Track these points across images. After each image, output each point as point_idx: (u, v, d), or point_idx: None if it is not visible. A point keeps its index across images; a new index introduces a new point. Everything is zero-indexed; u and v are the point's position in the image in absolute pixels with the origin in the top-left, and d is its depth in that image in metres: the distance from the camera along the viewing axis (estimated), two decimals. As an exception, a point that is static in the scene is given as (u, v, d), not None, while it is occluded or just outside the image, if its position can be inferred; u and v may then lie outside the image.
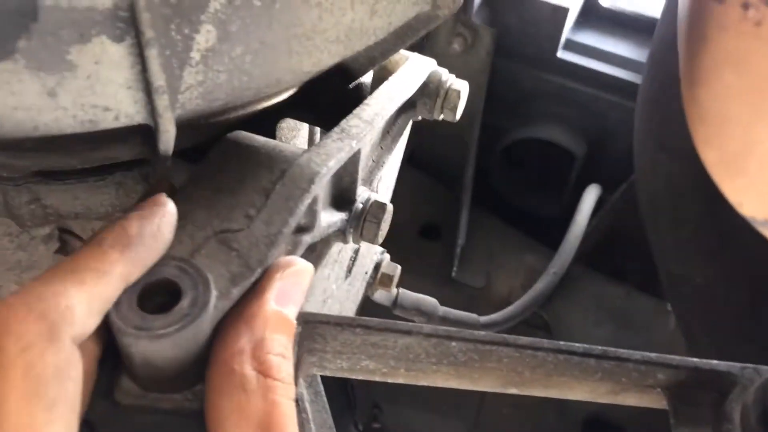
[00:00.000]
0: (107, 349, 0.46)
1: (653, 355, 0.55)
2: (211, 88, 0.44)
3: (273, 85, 0.49)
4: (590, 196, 1.29)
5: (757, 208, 0.31)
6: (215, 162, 0.52)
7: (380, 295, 0.99)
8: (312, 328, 0.53)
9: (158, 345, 0.40)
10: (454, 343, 0.54)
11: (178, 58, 0.41)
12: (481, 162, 1.43)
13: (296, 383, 0.56)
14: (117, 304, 0.40)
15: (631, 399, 0.57)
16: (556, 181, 1.42)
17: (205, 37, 0.41)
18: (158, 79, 0.40)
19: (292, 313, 0.44)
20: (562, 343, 0.55)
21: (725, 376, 0.54)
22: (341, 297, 0.80)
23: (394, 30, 0.55)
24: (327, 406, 0.71)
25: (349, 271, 0.79)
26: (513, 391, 0.58)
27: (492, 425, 1.33)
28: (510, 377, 0.56)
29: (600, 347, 0.55)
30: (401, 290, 1.04)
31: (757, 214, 0.31)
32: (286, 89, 0.55)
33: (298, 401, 0.69)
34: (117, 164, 0.59)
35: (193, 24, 0.40)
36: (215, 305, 0.42)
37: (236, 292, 0.44)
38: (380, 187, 0.80)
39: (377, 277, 0.94)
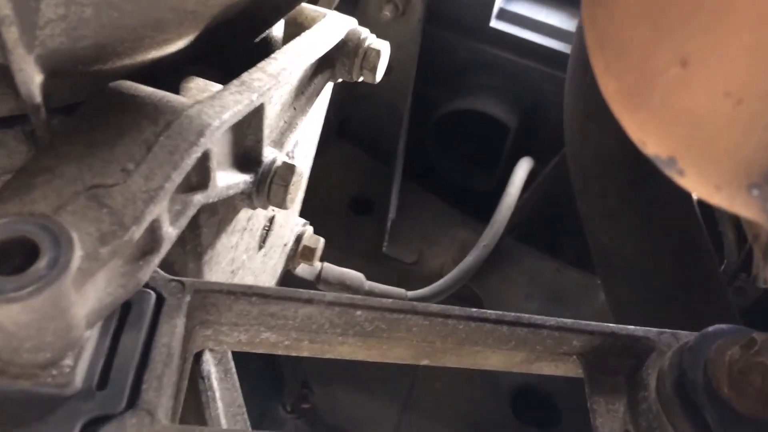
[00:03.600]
0: None
1: (568, 321, 0.52)
2: (76, 23, 0.39)
3: (154, 26, 0.44)
4: (522, 168, 1.27)
5: (660, 145, 0.28)
6: (92, 113, 0.46)
7: (303, 270, 0.95)
8: (203, 298, 0.48)
9: (10, 310, 0.35)
10: (359, 312, 0.51)
11: (32, -13, 0.36)
12: (415, 135, 1.39)
13: (189, 362, 0.51)
14: None
15: (546, 368, 0.54)
16: (490, 153, 1.40)
17: (63, -38, 0.36)
18: (3, 7, 0.35)
19: None
20: (473, 310, 0.52)
21: (642, 342, 0.52)
22: (255, 269, 0.76)
23: (294, -29, 0.51)
24: (237, 384, 0.67)
25: (263, 241, 0.75)
26: (425, 362, 0.55)
27: (424, 401, 1.31)
28: (421, 347, 0.53)
29: (513, 314, 0.52)
30: (325, 264, 1.00)
31: (661, 152, 0.28)
32: (176, 35, 0.50)
33: (205, 379, 0.65)
34: (-6, 121, 0.53)
35: (47, -54, 0.35)
36: (80, 267, 0.37)
37: (105, 252, 0.39)
38: (297, 152, 0.75)
39: (298, 250, 0.90)
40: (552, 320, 0.52)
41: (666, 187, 0.94)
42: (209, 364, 0.64)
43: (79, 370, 0.40)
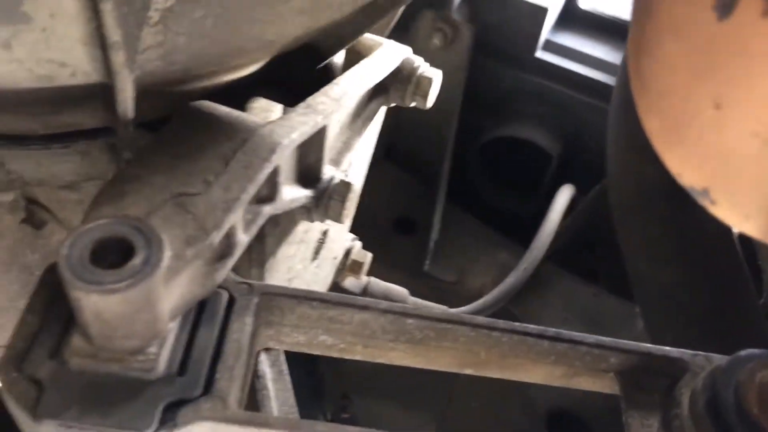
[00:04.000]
0: (55, 308, 0.46)
1: (607, 339, 0.55)
2: (171, 50, 0.44)
3: (236, 53, 0.49)
4: (564, 195, 1.30)
5: (695, 177, 0.31)
6: (176, 128, 0.52)
7: (350, 283, 0.99)
8: (269, 300, 0.52)
9: (109, 300, 0.40)
10: (410, 320, 0.54)
11: (136, 17, 0.41)
12: (459, 159, 1.43)
13: (254, 358, 0.55)
14: (68, 257, 0.40)
15: (585, 383, 0.57)
16: (532, 180, 1.43)
17: (165, -4, 0.41)
18: (114, 34, 0.40)
19: None
20: (517, 324, 0.55)
21: (677, 363, 0.54)
22: (308, 279, 0.80)
23: (360, 6, 0.56)
24: (290, 385, 0.71)
25: (317, 253, 0.79)
26: (469, 371, 0.58)
27: (459, 419, 1.34)
28: (466, 357, 0.56)
29: (554, 329, 0.55)
30: (371, 279, 1.04)
31: (696, 184, 0.32)
32: (251, 60, 0.55)
33: (260, 378, 0.70)
34: (81, 132, 0.59)
35: (152, -18, 0.40)
36: (168, 265, 0.42)
37: (190, 254, 0.44)
38: (351, 173, 0.80)
39: (347, 264, 0.94)
40: (591, 338, 0.55)
41: (705, 219, 0.96)
42: (264, 365, 0.69)
43: (162, 357, 0.44)
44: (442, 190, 1.38)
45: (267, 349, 0.70)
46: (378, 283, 1.04)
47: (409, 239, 1.40)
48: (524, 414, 1.28)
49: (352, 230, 0.96)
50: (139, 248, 0.41)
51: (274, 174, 0.52)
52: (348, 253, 0.93)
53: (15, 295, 0.79)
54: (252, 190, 0.48)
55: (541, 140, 1.34)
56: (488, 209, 1.48)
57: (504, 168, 1.48)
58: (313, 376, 1.34)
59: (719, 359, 0.55)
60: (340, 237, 0.89)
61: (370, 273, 1.06)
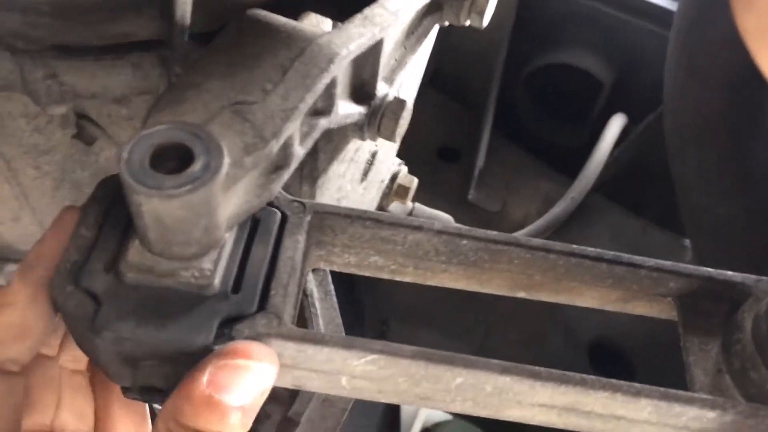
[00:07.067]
0: (109, 223, 0.46)
1: (667, 263, 0.54)
2: (231, -51, 0.43)
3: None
4: (615, 124, 1.26)
5: (792, 80, 0.29)
6: (234, 36, 0.50)
7: (395, 208, 0.99)
8: (321, 219, 0.52)
9: (169, 205, 0.39)
10: (464, 242, 0.53)
11: None
12: (506, 86, 1.40)
13: (305, 277, 0.55)
14: (128, 162, 0.39)
15: (640, 308, 0.56)
16: (582, 109, 1.39)
17: None
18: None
19: (234, 400, 0.39)
20: (574, 246, 0.54)
21: (739, 287, 0.53)
22: (356, 200, 0.80)
23: None
24: (336, 305, 0.71)
25: (365, 174, 0.78)
26: (522, 294, 0.57)
27: (498, 350, 1.34)
28: (519, 280, 0.55)
29: (613, 252, 0.54)
30: (416, 204, 1.03)
31: (792, 87, 0.30)
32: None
33: (308, 296, 0.70)
34: (134, 44, 0.58)
35: None
36: (227, 172, 0.41)
37: (249, 162, 0.43)
38: (401, 92, 0.78)
39: (393, 188, 0.93)
40: (651, 261, 0.54)
41: (763, 151, 0.93)
42: (312, 284, 0.69)
43: (218, 274, 0.44)
44: (487, 118, 1.35)
45: (314, 270, 0.70)
46: (423, 209, 1.03)
47: (453, 168, 1.38)
48: (566, 345, 1.28)
49: (397, 156, 0.94)
50: (199, 154, 0.40)
51: (331, 85, 0.51)
52: (394, 177, 0.92)
53: (66, 212, 0.80)
54: (310, 99, 0.47)
55: (594, 68, 1.29)
56: (535, 139, 1.45)
57: (553, 97, 1.44)
58: (353, 303, 1.35)
59: (785, 285, 0.53)
60: (387, 160, 0.88)
61: (413, 200, 1.05)
